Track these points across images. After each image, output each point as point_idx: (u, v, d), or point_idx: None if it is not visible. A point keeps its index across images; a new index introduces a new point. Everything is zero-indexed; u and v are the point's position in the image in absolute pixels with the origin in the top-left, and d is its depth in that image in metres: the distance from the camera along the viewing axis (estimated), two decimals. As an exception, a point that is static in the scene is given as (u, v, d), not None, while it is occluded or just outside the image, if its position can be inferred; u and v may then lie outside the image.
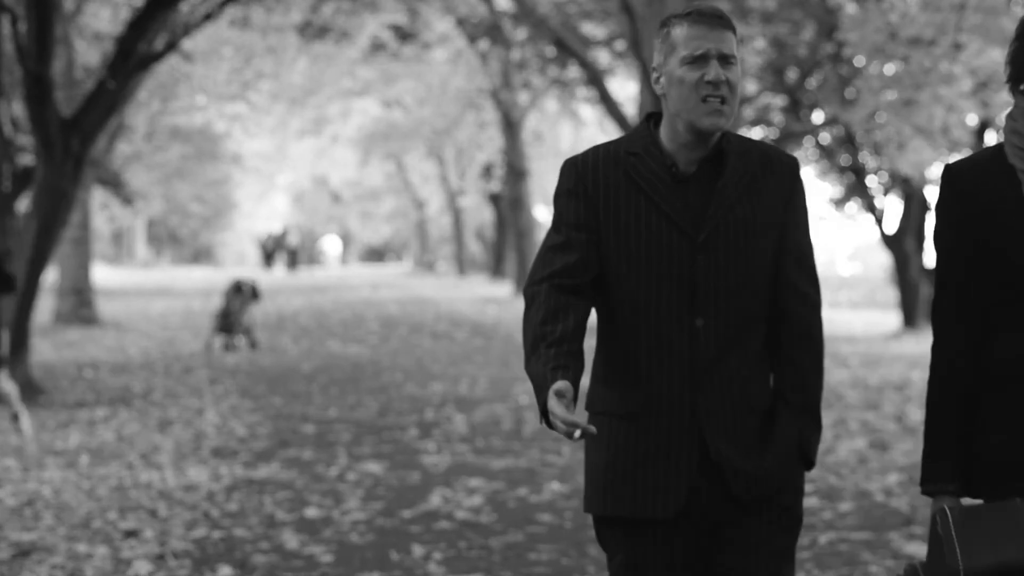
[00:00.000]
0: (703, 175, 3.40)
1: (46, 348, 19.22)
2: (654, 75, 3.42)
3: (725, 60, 3.36)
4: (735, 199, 3.38)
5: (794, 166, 3.48)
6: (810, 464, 3.48)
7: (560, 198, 3.48)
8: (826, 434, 10.55)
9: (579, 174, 3.44)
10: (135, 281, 46.14)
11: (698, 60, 3.34)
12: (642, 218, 3.38)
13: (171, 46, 13.93)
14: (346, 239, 73.44)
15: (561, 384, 3.24)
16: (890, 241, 22.28)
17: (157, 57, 13.87)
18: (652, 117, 3.49)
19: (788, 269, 3.45)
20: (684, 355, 3.36)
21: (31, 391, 13.22)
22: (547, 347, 3.35)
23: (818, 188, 26.73)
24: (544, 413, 3.27)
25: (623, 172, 3.41)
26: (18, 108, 14.52)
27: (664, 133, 3.42)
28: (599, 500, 3.44)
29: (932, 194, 20.93)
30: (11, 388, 11.15)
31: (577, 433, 3.17)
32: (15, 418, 11.12)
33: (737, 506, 3.40)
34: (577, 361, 3.35)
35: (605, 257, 3.40)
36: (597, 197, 3.40)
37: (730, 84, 3.36)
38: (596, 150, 3.47)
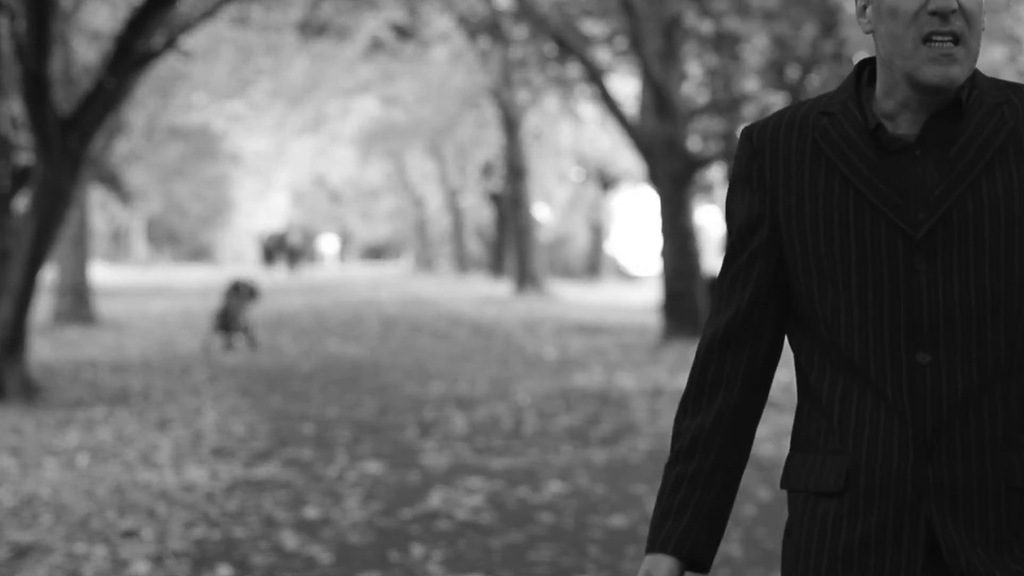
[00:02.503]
0: (932, 141, 2.32)
1: (45, 347, 19.19)
2: (858, 4, 2.37)
3: None
4: (979, 174, 2.29)
5: None
6: None
7: (732, 193, 2.46)
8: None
9: (754, 149, 2.41)
10: (134, 280, 46.14)
11: None
12: (833, 206, 2.33)
13: (170, 44, 13.90)
14: (345, 238, 73.46)
15: (655, 567, 2.38)
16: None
17: (156, 55, 13.83)
18: (867, 65, 2.42)
19: None
20: (903, 406, 2.30)
21: (29, 390, 13.19)
22: (671, 464, 2.44)
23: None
24: None
25: (810, 141, 2.37)
26: (16, 107, 14.49)
27: (880, 86, 2.35)
28: None
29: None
30: None
31: None
32: None
33: None
34: (709, 486, 2.41)
35: (791, 265, 2.38)
36: (776, 179, 2.38)
37: (966, 13, 2.27)
38: (783, 113, 2.44)
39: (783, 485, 2.45)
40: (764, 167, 2.39)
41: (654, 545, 2.39)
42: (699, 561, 2.40)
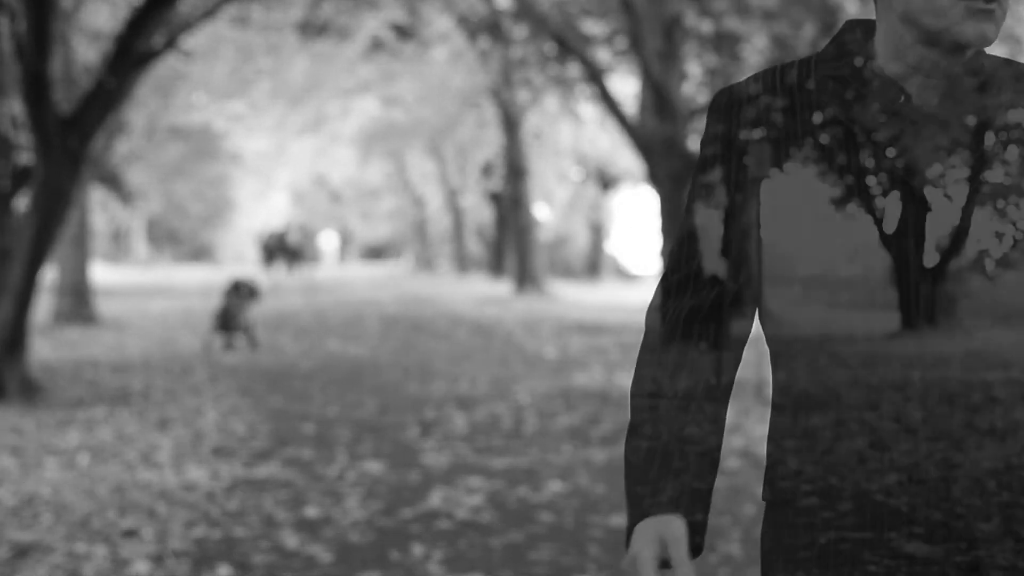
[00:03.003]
0: (947, 114, 2.09)
1: (45, 347, 19.20)
2: None
3: None
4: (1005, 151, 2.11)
5: None
6: None
7: (702, 168, 2.11)
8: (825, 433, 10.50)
9: (728, 115, 2.09)
10: (134, 280, 46.14)
11: None
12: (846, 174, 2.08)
13: (170, 44, 13.91)
14: (346, 238, 73.45)
15: (668, 528, 2.02)
16: (889, 241, 22.27)
17: (156, 55, 13.84)
18: (859, 26, 2.12)
19: None
20: (917, 421, 2.20)
21: (30, 390, 13.20)
22: (666, 405, 2.15)
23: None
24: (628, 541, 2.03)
25: (813, 103, 2.08)
26: (16, 107, 14.50)
27: (884, 47, 2.06)
28: None
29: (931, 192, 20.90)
30: None
31: None
32: None
33: None
34: (715, 435, 2.11)
35: (769, 263, 2.10)
36: (764, 145, 2.09)
37: None
38: (768, 73, 2.09)
39: (766, 495, 2.23)
40: (743, 135, 2.08)
41: (657, 505, 2.05)
42: (700, 532, 2.07)
